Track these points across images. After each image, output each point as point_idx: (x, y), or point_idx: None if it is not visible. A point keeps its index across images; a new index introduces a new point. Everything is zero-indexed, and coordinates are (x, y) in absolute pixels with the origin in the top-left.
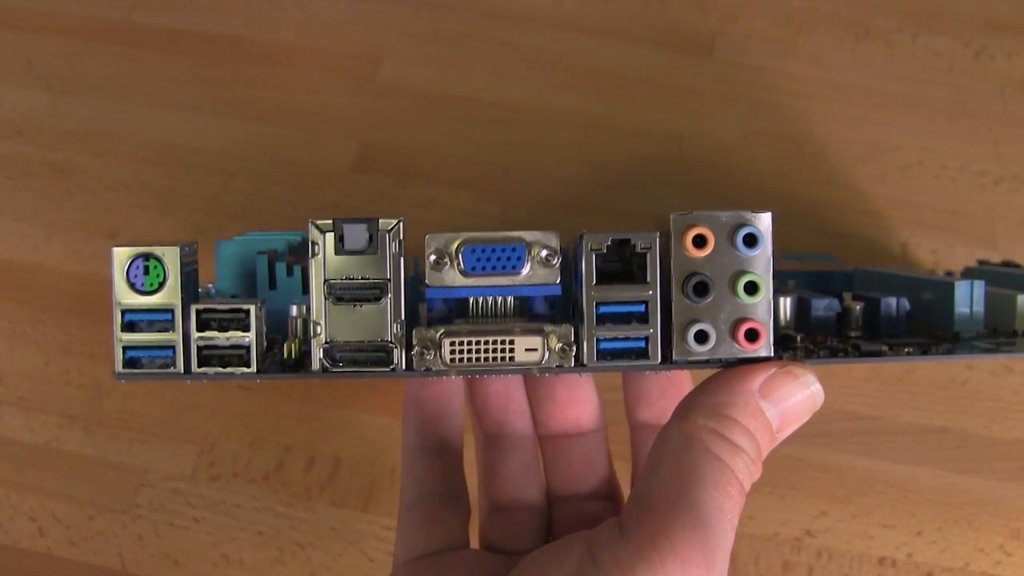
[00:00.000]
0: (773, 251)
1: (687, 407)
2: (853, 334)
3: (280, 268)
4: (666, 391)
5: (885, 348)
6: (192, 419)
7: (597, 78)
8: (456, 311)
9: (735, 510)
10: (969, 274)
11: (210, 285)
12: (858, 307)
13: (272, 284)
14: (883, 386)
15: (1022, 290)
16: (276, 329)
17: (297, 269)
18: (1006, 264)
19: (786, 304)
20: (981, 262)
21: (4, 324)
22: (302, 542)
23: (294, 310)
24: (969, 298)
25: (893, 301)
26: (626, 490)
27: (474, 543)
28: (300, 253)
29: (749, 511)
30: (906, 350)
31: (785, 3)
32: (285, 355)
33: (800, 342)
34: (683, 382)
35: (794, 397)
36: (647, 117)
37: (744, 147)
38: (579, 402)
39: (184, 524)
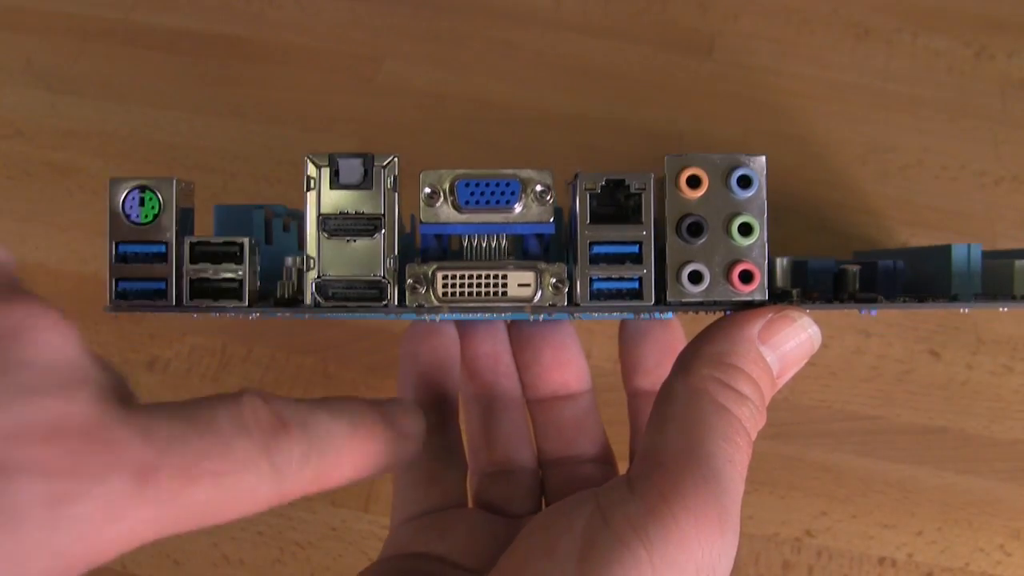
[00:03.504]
0: (767, 194)
1: (689, 358)
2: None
3: (277, 223)
4: (663, 359)
5: (880, 297)
6: None
7: (597, 78)
8: (450, 254)
9: (744, 461)
10: None
11: None
12: (855, 268)
13: (268, 239)
14: (883, 386)
15: (1021, 258)
16: (271, 283)
17: (294, 225)
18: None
19: (783, 263)
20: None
21: None
22: (302, 542)
23: (289, 260)
24: (966, 259)
25: (891, 263)
26: (621, 463)
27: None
28: (299, 218)
29: (749, 511)
30: (902, 299)
31: (785, 3)
32: (279, 295)
33: (796, 296)
34: (680, 347)
35: (792, 341)
36: (647, 117)
37: (744, 147)
38: (566, 364)
39: None
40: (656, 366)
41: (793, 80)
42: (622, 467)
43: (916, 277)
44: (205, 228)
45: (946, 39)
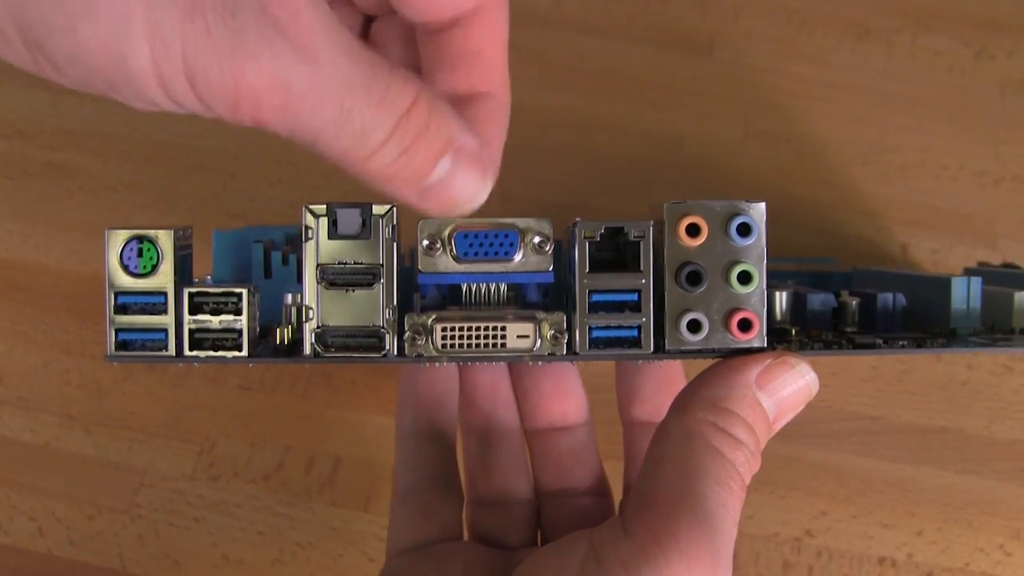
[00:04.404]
0: (767, 241)
1: (685, 401)
2: (849, 329)
3: (276, 257)
4: (660, 388)
5: (879, 341)
6: (192, 419)
7: (597, 78)
8: (450, 299)
9: (737, 505)
10: (968, 274)
11: (208, 277)
12: (854, 302)
13: (268, 272)
14: (883, 386)
15: (1020, 288)
16: (271, 318)
17: (293, 258)
18: (1006, 266)
19: (782, 298)
20: (981, 264)
21: (4, 324)
22: (302, 542)
23: (288, 298)
24: (966, 294)
25: (889, 297)
26: (616, 487)
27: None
28: (297, 243)
29: (749, 511)
30: (900, 343)
31: (785, 3)
32: (278, 341)
33: (795, 335)
34: (677, 378)
35: (789, 387)
36: (647, 117)
37: (744, 147)
38: (565, 395)
39: (184, 524)
40: (654, 393)
41: (793, 80)
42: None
43: (915, 304)
44: (204, 233)
45: (946, 39)
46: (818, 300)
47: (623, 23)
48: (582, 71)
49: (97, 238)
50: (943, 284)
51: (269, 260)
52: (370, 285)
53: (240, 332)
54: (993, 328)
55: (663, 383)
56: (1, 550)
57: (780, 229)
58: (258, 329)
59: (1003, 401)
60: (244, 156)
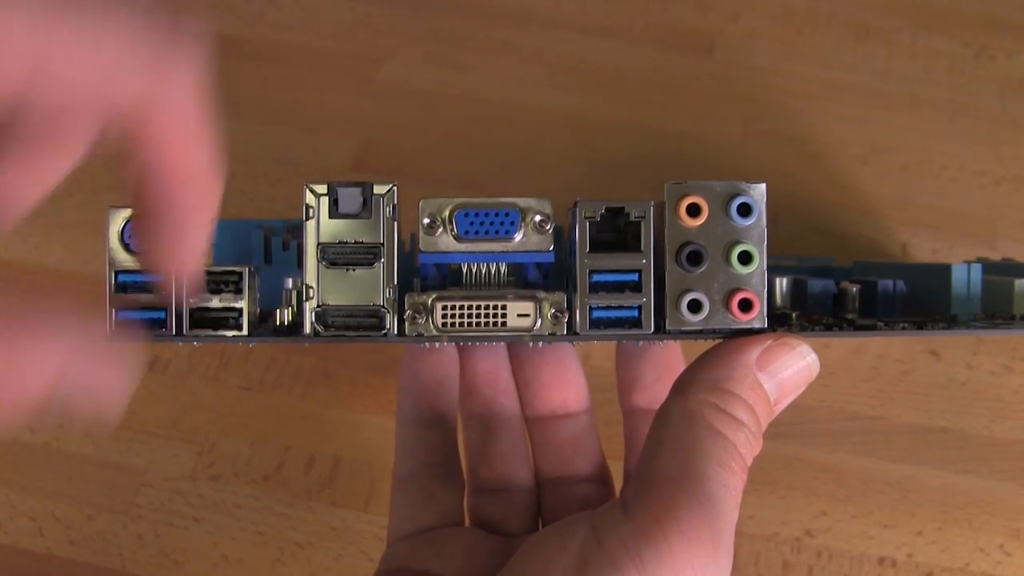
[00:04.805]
0: (767, 221)
1: (686, 383)
2: (849, 315)
3: (276, 242)
4: (661, 376)
5: (880, 324)
6: (192, 419)
7: (597, 78)
8: (451, 280)
9: (739, 486)
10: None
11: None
12: (854, 288)
13: (268, 259)
14: (883, 386)
15: (1020, 276)
16: (270, 305)
17: (293, 244)
18: (1005, 260)
19: (782, 284)
20: (981, 259)
21: None
22: (302, 542)
23: (289, 282)
24: (966, 280)
25: (890, 283)
26: (617, 483)
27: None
28: (297, 232)
29: (749, 511)
30: (901, 326)
31: (785, 3)
32: (278, 322)
33: (796, 319)
34: (677, 365)
35: (790, 368)
36: (647, 117)
37: (744, 147)
38: (566, 383)
39: (184, 524)
40: (655, 382)
41: (793, 80)
42: (618, 485)
43: (915, 292)
44: None
45: (946, 39)
46: (818, 285)
47: (623, 23)
48: (582, 71)
49: (97, 238)
50: (943, 271)
51: (269, 246)
52: (371, 264)
53: (240, 311)
54: (993, 316)
55: (663, 371)
56: (1, 550)
57: (780, 229)
58: (258, 312)
59: (1003, 401)
60: (244, 156)
